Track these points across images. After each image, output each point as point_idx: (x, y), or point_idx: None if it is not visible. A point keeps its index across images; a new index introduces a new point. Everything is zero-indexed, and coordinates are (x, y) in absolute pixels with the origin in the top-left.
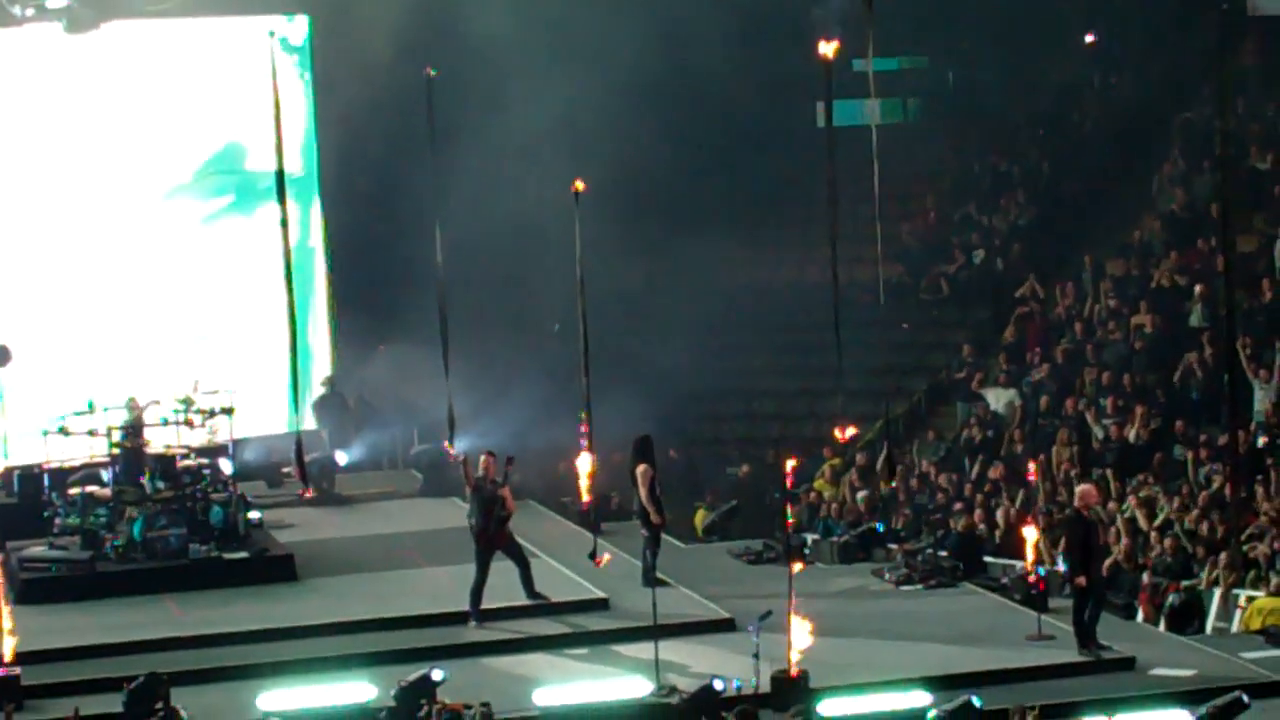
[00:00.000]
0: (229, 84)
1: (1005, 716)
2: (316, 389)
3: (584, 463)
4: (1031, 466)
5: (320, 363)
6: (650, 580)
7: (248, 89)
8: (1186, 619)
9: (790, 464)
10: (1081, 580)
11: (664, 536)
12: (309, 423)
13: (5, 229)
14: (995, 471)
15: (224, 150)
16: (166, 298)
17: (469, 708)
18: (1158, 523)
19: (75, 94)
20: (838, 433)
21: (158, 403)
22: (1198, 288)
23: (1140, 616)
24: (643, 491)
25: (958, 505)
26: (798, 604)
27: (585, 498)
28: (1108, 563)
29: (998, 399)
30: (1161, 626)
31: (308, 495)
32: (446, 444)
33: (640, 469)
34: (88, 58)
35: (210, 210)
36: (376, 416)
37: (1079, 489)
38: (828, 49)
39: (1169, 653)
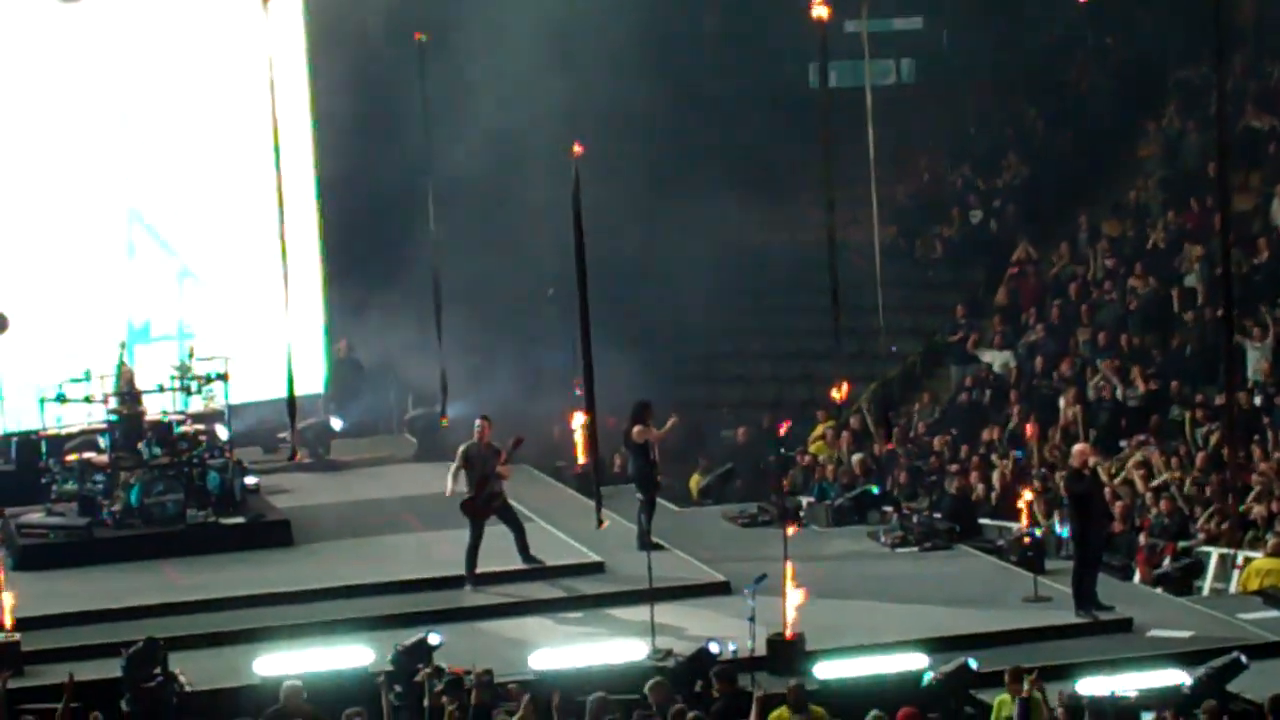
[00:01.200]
0: (219, 50)
1: (1002, 678)
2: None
3: (579, 427)
4: (1028, 428)
5: (313, 328)
6: (645, 544)
7: (236, 57)
8: (1183, 581)
9: (784, 427)
10: (1075, 536)
11: (659, 500)
12: (301, 388)
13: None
14: (990, 433)
15: (213, 118)
16: (158, 266)
17: (469, 673)
18: (1155, 484)
19: (65, 61)
20: (834, 393)
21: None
22: (1194, 248)
23: (1137, 578)
24: (655, 442)
25: (953, 467)
26: (793, 567)
27: (581, 461)
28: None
29: (993, 360)
30: (1158, 588)
31: (300, 460)
32: (442, 418)
33: (636, 430)
34: (80, 26)
35: (198, 178)
36: (368, 381)
37: (1075, 448)
38: (821, 10)
39: (1167, 614)
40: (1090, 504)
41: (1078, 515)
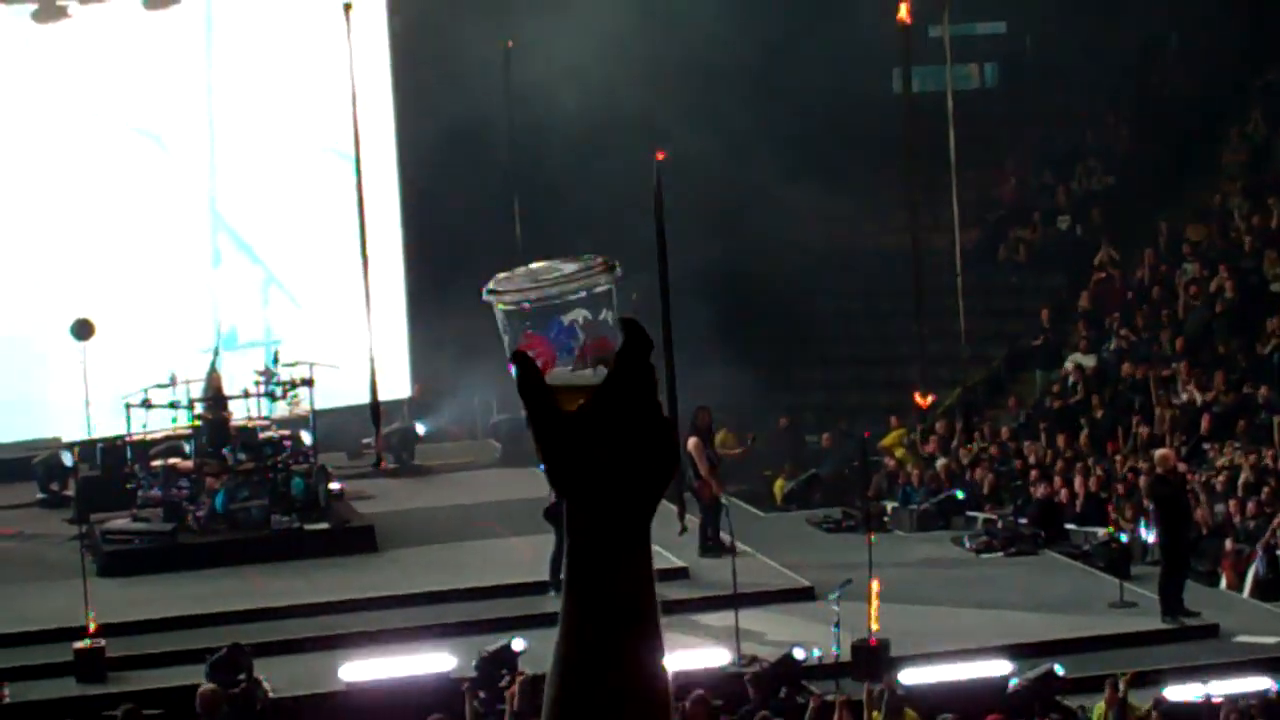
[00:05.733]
0: (304, 58)
1: (1088, 685)
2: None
3: None
4: (1115, 432)
5: (397, 333)
6: (708, 550)
7: (320, 64)
8: (1273, 587)
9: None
10: (1163, 542)
11: (743, 504)
12: (385, 395)
13: (81, 201)
14: (1075, 438)
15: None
16: (243, 274)
17: None
18: (1240, 489)
19: (150, 70)
20: (918, 398)
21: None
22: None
23: (1224, 583)
24: (702, 468)
25: (1035, 473)
26: (877, 572)
27: None
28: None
29: (1078, 365)
30: (1246, 593)
31: (385, 467)
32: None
33: (691, 443)
34: (166, 33)
35: (283, 186)
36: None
37: (1158, 454)
38: (905, 14)
39: (1253, 620)
40: (1176, 509)
41: (1163, 521)
